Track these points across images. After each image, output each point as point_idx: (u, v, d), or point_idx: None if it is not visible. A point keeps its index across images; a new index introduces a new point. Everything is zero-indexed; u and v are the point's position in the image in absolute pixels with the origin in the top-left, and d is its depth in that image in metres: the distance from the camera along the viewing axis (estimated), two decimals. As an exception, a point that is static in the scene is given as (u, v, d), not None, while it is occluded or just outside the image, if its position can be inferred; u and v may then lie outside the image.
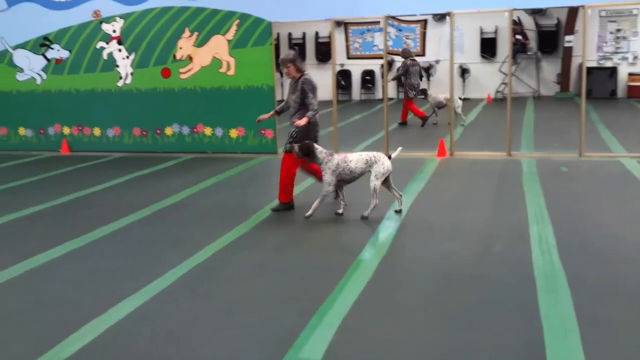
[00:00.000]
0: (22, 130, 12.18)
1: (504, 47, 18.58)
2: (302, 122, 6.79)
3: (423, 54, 19.55)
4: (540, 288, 4.67)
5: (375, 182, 6.59)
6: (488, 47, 19.50)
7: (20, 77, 11.95)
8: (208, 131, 11.17)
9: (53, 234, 6.49)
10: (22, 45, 11.84)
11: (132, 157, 11.13)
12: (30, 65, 11.86)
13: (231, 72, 10.86)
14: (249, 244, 6.04)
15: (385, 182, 6.74)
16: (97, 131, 11.76)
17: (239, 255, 5.72)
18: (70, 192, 8.44)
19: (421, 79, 14.38)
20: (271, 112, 7.54)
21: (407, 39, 12.97)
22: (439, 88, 19.45)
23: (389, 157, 6.73)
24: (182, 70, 11.09)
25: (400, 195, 6.90)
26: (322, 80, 15.88)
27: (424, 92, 14.11)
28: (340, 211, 6.82)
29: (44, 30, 11.67)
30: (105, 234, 6.47)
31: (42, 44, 11.71)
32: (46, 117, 12.00)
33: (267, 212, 7.08)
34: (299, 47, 21.41)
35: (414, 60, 14.22)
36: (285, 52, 7.38)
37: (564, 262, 5.18)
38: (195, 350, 3.93)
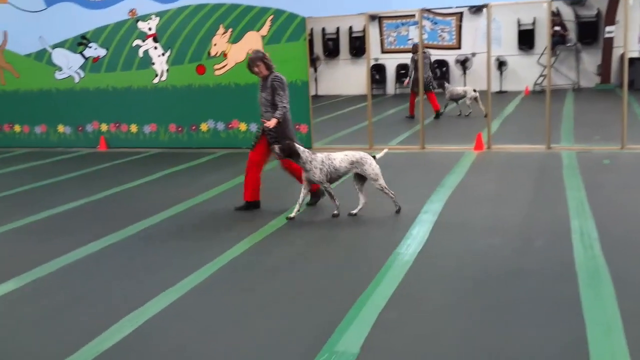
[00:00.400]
0: (61, 128, 12.40)
1: (542, 39, 18.24)
2: (271, 123, 6.59)
3: (459, 47, 19.26)
4: (583, 283, 4.53)
5: (379, 183, 6.42)
6: (526, 39, 19.15)
7: (59, 75, 12.15)
8: (243, 127, 11.20)
9: (91, 229, 6.56)
10: (61, 44, 12.03)
11: (168, 153, 11.22)
12: (69, 64, 12.05)
13: (265, 68, 10.84)
14: (284, 238, 6.02)
15: (362, 180, 6.52)
16: (133, 128, 11.90)
17: (275, 250, 5.70)
18: (108, 187, 8.54)
19: (432, 72, 14.63)
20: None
21: (442, 32, 12.77)
22: (475, 81, 19.26)
23: (374, 158, 6.52)
24: (216, 66, 11.13)
25: (365, 202, 6.57)
26: (356, 74, 15.89)
27: (442, 85, 14.34)
28: (336, 212, 6.52)
29: (82, 29, 11.83)
30: (142, 229, 6.51)
31: (79, 43, 11.89)
32: (84, 115, 12.19)
33: (301, 206, 7.04)
34: (332, 41, 21.39)
35: (423, 54, 14.06)
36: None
37: (607, 256, 5.02)
38: (232, 343, 3.92)
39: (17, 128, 12.66)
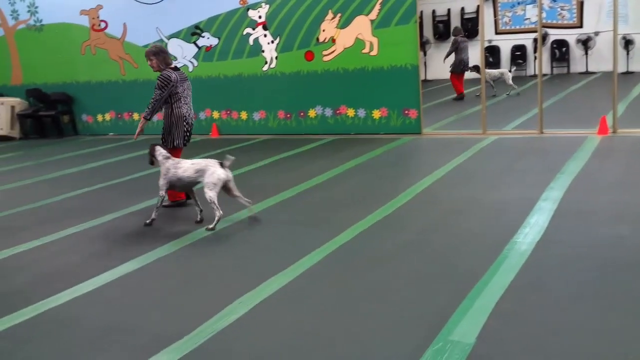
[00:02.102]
0: (176, 116, 12.82)
1: (674, 14, 16.87)
2: (136, 133, 6.93)
3: (580, 26, 18.13)
4: None
5: (209, 194, 5.97)
6: (656, 15, 17.77)
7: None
8: (351, 112, 11.11)
9: (204, 215, 6.71)
10: (176, 35, 12.44)
11: (276, 140, 11.34)
12: (184, 54, 12.44)
13: (374, 53, 10.70)
14: (395, 225, 5.86)
15: (227, 190, 6.17)
16: (243, 115, 12.12)
17: (385, 236, 5.56)
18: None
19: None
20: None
21: (562, 10, 12.03)
22: (598, 62, 18.23)
23: (222, 165, 6.08)
24: (325, 52, 11.10)
25: (250, 202, 6.27)
26: (468, 57, 15.41)
27: (477, 68, 14.82)
28: (198, 218, 6.30)
29: (195, 19, 12.18)
30: (254, 214, 6.57)
31: (193, 33, 12.24)
32: (198, 102, 12.43)
33: (411, 193, 6.86)
34: (443, 24, 20.81)
35: (464, 37, 15.82)
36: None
37: None
38: (345, 327, 3.83)
39: (135, 116, 13.25)
